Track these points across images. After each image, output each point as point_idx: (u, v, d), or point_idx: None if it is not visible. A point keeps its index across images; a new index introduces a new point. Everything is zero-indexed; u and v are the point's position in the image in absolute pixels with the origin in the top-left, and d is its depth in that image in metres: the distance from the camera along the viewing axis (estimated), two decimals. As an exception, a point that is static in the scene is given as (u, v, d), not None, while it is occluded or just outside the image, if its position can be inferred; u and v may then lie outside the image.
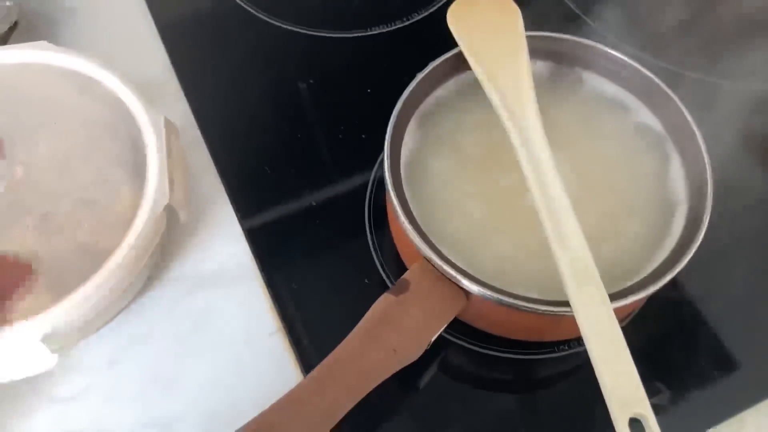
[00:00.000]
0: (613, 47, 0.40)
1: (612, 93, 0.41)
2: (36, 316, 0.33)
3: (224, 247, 0.43)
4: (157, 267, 0.42)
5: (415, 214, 0.36)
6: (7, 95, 0.40)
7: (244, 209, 0.44)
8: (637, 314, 0.40)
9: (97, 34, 0.52)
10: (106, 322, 0.39)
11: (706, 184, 0.36)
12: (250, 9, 0.53)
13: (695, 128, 0.37)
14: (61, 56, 0.40)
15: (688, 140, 0.38)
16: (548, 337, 0.39)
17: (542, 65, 0.42)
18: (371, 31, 0.52)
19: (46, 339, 0.33)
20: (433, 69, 0.40)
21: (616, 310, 0.32)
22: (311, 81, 0.49)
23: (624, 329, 0.31)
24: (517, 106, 0.37)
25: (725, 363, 0.40)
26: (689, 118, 0.37)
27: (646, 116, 0.40)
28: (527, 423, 0.38)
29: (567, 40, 0.41)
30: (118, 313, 0.40)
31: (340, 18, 0.53)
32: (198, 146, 0.47)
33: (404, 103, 0.38)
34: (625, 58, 0.40)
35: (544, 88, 0.41)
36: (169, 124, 0.39)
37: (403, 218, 0.35)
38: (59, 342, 0.34)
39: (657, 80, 0.39)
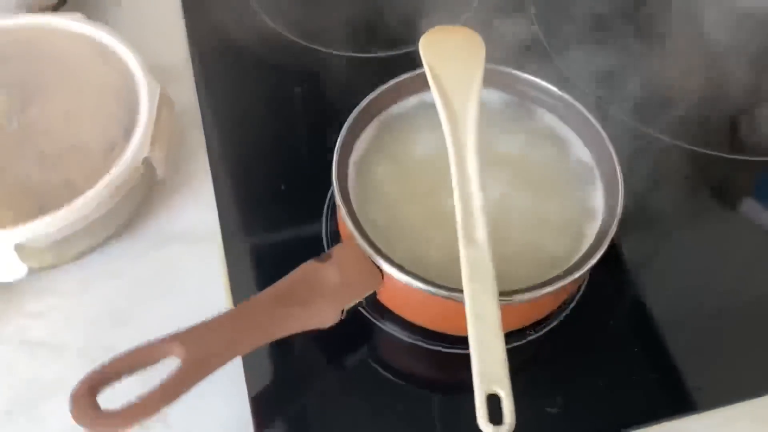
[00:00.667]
0: (563, 88, 0.45)
1: (554, 126, 0.46)
2: (12, 228, 0.39)
3: (197, 213, 0.49)
4: (135, 219, 0.48)
5: (354, 204, 0.41)
6: (37, 52, 0.47)
7: (221, 184, 0.50)
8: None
9: (135, 20, 0.60)
10: (81, 254, 0.45)
11: (617, 204, 0.41)
12: (269, 21, 0.61)
13: (616, 161, 0.42)
14: (88, 27, 0.47)
15: (610, 170, 0.42)
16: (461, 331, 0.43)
17: (497, 94, 0.47)
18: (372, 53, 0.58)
19: (18, 248, 0.39)
20: (397, 83, 0.45)
21: (547, 297, 0.38)
22: (304, 88, 0.56)
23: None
24: (460, 122, 0.42)
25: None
26: (613, 152, 0.43)
27: (580, 149, 0.45)
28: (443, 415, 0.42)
29: (521, 77, 0.46)
30: (92, 249, 0.45)
31: (345, 37, 0.59)
32: (196, 127, 0.53)
33: (363, 109, 0.44)
34: (570, 99, 0.45)
35: (495, 114, 0.46)
36: (164, 97, 0.46)
37: (339, 200, 0.40)
38: (30, 254, 0.40)
39: (594, 121, 0.44)
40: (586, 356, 0.44)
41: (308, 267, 0.39)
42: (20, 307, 0.44)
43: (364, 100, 0.44)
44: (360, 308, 0.42)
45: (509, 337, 0.41)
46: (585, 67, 0.56)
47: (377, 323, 0.44)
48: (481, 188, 0.39)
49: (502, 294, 0.36)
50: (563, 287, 0.39)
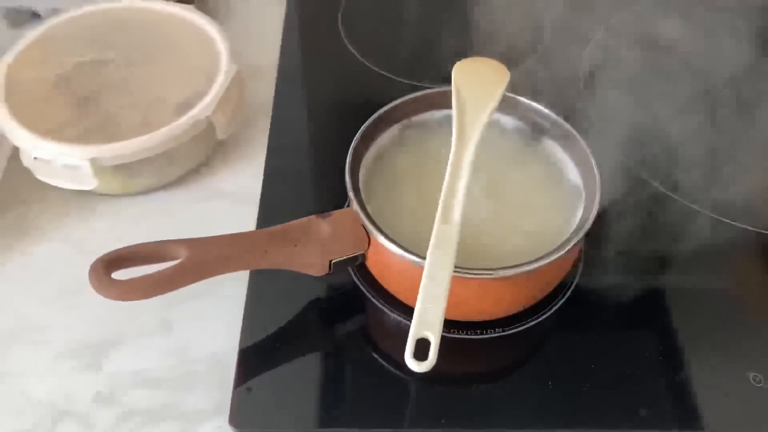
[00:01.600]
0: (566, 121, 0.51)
1: (556, 154, 0.52)
2: (90, 145, 0.49)
3: (246, 180, 0.58)
4: (195, 173, 0.57)
5: (360, 178, 0.48)
6: (152, 28, 0.59)
7: (271, 164, 0.58)
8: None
9: (243, 28, 0.72)
10: (145, 189, 0.55)
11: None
12: (352, 50, 0.70)
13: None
14: (196, 16, 0.59)
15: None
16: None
17: (508, 119, 0.53)
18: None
19: (92, 162, 0.49)
20: (422, 95, 0.53)
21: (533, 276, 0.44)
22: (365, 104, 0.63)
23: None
24: (468, 125, 0.48)
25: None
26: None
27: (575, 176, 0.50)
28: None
29: (534, 108, 0.52)
30: (154, 188, 0.55)
31: (411, 68, 0.68)
32: (265, 116, 0.62)
33: (390, 109, 0.52)
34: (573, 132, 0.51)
35: (505, 136, 0.53)
36: (239, 76, 0.55)
37: (347, 170, 0.47)
38: (101, 172, 0.50)
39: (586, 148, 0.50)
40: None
41: (309, 218, 0.46)
42: (86, 220, 0.54)
43: (392, 102, 0.52)
44: (356, 281, 0.49)
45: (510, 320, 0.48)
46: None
47: (369, 296, 0.50)
48: (467, 183, 0.45)
49: (484, 269, 0.42)
50: (545, 266, 0.43)
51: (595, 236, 0.48)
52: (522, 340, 0.49)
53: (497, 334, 0.48)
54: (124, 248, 0.42)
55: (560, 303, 0.50)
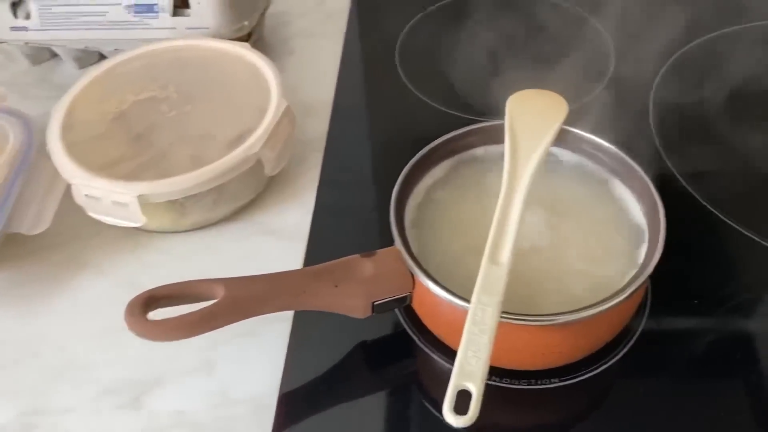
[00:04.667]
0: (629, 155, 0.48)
1: (618, 191, 0.48)
2: (140, 182, 0.49)
3: (296, 217, 0.56)
4: (245, 209, 0.57)
5: (406, 215, 0.47)
6: (209, 66, 0.60)
7: (321, 201, 0.57)
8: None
9: (301, 65, 0.72)
10: (194, 226, 0.55)
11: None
12: (409, 85, 0.69)
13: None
14: (250, 54, 0.59)
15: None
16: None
17: (564, 153, 0.51)
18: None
19: (140, 199, 0.49)
20: (474, 129, 0.51)
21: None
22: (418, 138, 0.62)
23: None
24: (521, 163, 0.46)
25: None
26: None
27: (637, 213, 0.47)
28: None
29: (589, 139, 0.49)
30: (203, 225, 0.55)
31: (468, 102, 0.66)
32: (318, 152, 0.62)
33: (440, 144, 0.50)
34: (633, 164, 0.47)
35: (564, 171, 0.50)
36: (289, 112, 0.55)
37: (392, 207, 0.45)
38: (149, 209, 0.50)
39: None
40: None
41: (352, 258, 0.44)
42: (138, 256, 0.54)
43: (441, 137, 0.50)
44: (404, 323, 0.48)
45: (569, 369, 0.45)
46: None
47: (417, 340, 0.48)
48: (519, 221, 0.42)
49: (537, 315, 0.40)
50: (605, 311, 0.40)
51: (662, 276, 0.44)
52: (582, 392, 0.45)
53: (554, 385, 0.45)
54: (160, 287, 0.41)
55: (625, 350, 0.46)
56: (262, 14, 0.70)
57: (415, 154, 0.50)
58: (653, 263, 0.42)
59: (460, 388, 0.36)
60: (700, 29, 0.71)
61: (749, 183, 0.58)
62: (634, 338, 0.47)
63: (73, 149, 0.52)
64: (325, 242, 0.54)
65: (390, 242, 0.45)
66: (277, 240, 0.55)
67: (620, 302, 0.40)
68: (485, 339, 0.37)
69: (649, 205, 0.46)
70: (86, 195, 0.50)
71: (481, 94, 0.65)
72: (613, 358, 0.46)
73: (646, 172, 0.47)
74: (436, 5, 0.79)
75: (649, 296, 0.49)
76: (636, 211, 0.47)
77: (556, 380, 0.45)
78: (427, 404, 0.45)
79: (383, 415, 0.45)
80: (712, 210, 0.55)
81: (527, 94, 0.51)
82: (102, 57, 0.69)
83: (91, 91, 0.57)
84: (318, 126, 0.64)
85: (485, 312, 0.38)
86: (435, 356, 0.47)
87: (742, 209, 0.54)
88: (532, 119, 0.49)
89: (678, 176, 0.57)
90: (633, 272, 0.43)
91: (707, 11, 0.70)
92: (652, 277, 0.42)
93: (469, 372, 0.36)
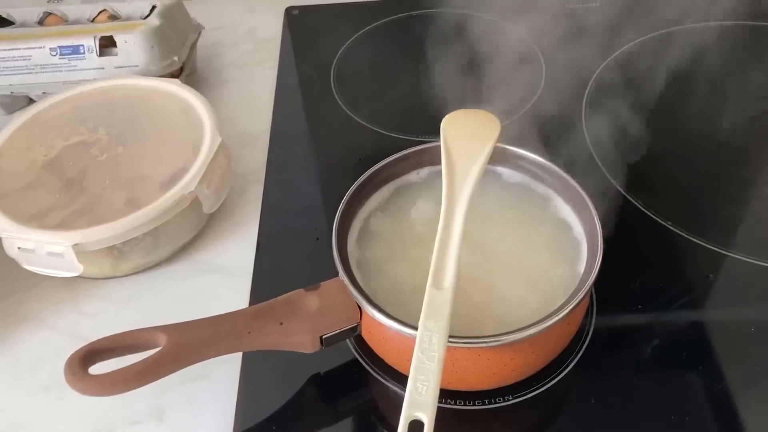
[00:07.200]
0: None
1: (554, 203, 0.49)
2: (73, 230, 0.48)
3: (238, 253, 0.56)
4: (186, 249, 0.56)
5: (348, 246, 0.46)
6: (139, 105, 0.59)
7: (264, 234, 0.57)
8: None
9: (235, 96, 0.71)
10: (134, 269, 0.53)
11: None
12: (346, 110, 0.69)
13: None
14: (181, 90, 0.58)
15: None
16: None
17: (503, 169, 0.51)
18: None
19: (75, 248, 0.48)
20: (410, 152, 0.51)
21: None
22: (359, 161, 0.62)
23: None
24: (457, 183, 0.46)
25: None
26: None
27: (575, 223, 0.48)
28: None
29: (527, 157, 0.50)
30: (143, 268, 0.54)
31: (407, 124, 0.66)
32: (258, 184, 0.61)
33: (375, 172, 0.50)
34: (569, 179, 0.48)
35: (499, 184, 0.51)
36: (224, 147, 0.54)
37: (333, 238, 0.45)
38: (86, 257, 0.49)
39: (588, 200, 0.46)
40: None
41: (296, 293, 0.44)
42: (78, 305, 0.53)
43: (378, 164, 0.50)
44: (356, 354, 0.47)
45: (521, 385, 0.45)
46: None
47: (369, 369, 0.47)
48: (459, 244, 0.42)
49: (486, 336, 0.40)
50: (554, 325, 0.40)
51: (605, 283, 0.45)
52: (536, 406, 0.45)
53: (508, 402, 0.45)
54: (99, 340, 0.40)
55: (576, 359, 0.47)
56: (193, 47, 0.69)
57: (356, 179, 0.49)
58: (593, 275, 0.42)
59: (411, 419, 0.35)
60: (625, 37, 0.73)
61: (688, 187, 0.60)
62: (584, 347, 0.48)
63: (2, 201, 0.51)
64: (271, 275, 0.54)
65: (332, 274, 0.45)
66: (221, 277, 0.54)
67: (564, 317, 0.41)
68: (434, 366, 0.37)
69: (586, 217, 0.46)
70: (19, 248, 0.49)
71: (418, 114, 0.66)
72: (563, 370, 0.47)
73: (581, 183, 0.47)
74: (371, 25, 0.79)
75: (595, 305, 0.50)
76: (576, 224, 0.47)
77: (509, 397, 0.45)
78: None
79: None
80: (654, 216, 0.56)
81: (460, 114, 0.51)
82: (31, 101, 0.67)
83: (18, 140, 0.56)
84: (256, 156, 0.64)
85: (432, 338, 0.38)
86: (389, 384, 0.47)
87: (681, 211, 0.56)
88: (467, 139, 0.49)
89: (616, 185, 0.58)
90: (576, 280, 0.44)
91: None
92: (596, 285, 0.43)
93: (419, 402, 0.36)
